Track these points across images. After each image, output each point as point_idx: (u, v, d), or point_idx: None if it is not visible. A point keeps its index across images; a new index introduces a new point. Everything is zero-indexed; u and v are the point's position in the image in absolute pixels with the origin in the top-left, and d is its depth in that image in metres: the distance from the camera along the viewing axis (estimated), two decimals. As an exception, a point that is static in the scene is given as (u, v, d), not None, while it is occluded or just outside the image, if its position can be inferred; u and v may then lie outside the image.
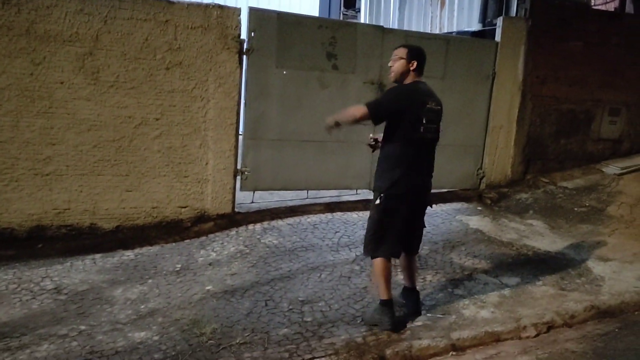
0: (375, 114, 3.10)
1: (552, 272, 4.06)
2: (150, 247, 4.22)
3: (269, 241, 4.38)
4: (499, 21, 6.14)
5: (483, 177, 6.27)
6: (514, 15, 6.51)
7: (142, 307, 3.23)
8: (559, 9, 6.66)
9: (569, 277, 3.99)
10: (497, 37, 6.13)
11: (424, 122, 3.07)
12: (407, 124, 3.06)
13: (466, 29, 7.06)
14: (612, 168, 6.69)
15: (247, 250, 4.16)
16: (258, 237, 4.47)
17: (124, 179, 4.38)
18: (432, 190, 3.37)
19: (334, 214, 5.14)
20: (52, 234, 4.18)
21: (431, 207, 3.44)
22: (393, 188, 3.09)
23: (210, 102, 4.60)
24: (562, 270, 4.11)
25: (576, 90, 6.83)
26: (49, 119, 4.05)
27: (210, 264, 3.90)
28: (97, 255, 4.00)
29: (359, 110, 3.15)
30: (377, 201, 3.14)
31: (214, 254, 4.09)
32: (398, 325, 3.13)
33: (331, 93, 5.19)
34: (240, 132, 4.86)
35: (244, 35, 4.77)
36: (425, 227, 3.44)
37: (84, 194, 4.26)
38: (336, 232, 4.67)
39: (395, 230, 3.15)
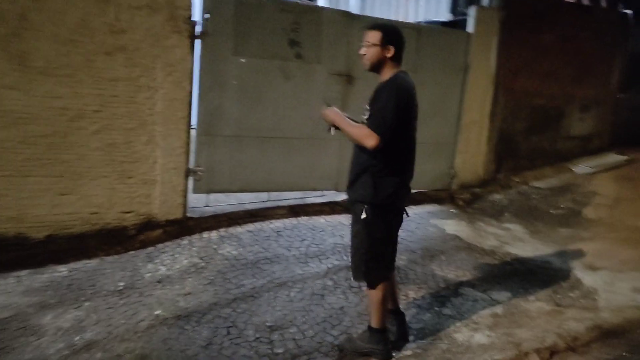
0: (383, 135, 2.53)
1: (542, 284, 3.91)
2: (88, 261, 3.77)
3: (228, 252, 4.02)
4: (472, 11, 5.98)
5: (454, 176, 6.12)
6: (487, 5, 6.37)
7: (77, 338, 2.81)
8: (532, 0, 6.58)
9: (561, 290, 3.84)
10: (470, 28, 5.98)
11: (413, 118, 2.72)
12: (402, 124, 2.62)
13: (434, 19, 6.87)
14: (583, 167, 6.70)
15: (203, 264, 3.79)
16: (214, 247, 4.10)
17: (57, 181, 3.90)
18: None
19: (299, 218, 4.82)
20: (-31, 247, 3.68)
21: (407, 215, 2.99)
22: (382, 197, 2.69)
23: (158, 93, 4.18)
24: (552, 282, 3.97)
25: (548, 85, 6.79)
26: (-36, 110, 3.55)
27: (159, 282, 3.51)
28: (24, 272, 3.53)
29: (370, 139, 2.55)
30: (363, 215, 2.70)
31: (164, 269, 3.70)
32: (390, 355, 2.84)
33: (295, 85, 4.87)
34: (193, 127, 4.48)
35: (197, 17, 4.38)
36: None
37: (9, 199, 3.76)
38: (303, 239, 4.36)
39: (390, 247, 2.85)
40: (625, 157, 6.98)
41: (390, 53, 2.71)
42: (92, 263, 3.75)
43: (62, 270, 3.62)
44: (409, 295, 3.56)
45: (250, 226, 4.56)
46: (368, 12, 9.70)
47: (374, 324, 2.82)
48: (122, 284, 3.46)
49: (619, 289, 3.84)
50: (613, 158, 6.98)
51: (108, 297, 3.26)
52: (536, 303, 3.59)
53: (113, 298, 3.25)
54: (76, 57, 3.84)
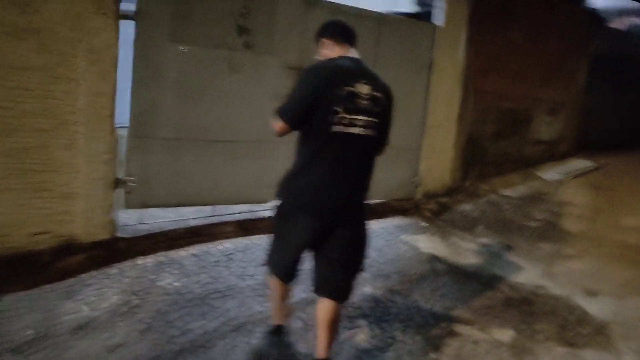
0: (287, 119, 2.41)
1: (544, 317, 3.56)
2: (-13, 299, 3.08)
3: (169, 284, 3.41)
4: (440, 1, 5.61)
5: (419, 184, 5.75)
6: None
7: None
8: (501, -8, 6.32)
9: (568, 325, 3.50)
10: (438, 20, 5.60)
11: (344, 110, 2.34)
12: (317, 112, 2.35)
13: (398, 10, 6.47)
14: (552, 174, 6.54)
15: (138, 301, 3.17)
16: (152, 277, 3.48)
17: (-56, 197, 3.18)
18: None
19: (251, 237, 4.27)
20: None
21: (362, 242, 2.59)
22: (286, 194, 2.52)
23: (81, 86, 3.51)
24: (554, 313, 3.63)
25: (517, 86, 6.58)
26: None
27: (81, 328, 2.85)
28: None
29: (275, 124, 2.47)
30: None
31: (87, 309, 3.05)
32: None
33: (243, 79, 4.30)
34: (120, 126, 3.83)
35: (129, -5, 3.74)
36: (359, 268, 2.60)
37: None
38: (258, 265, 3.81)
39: (282, 247, 2.60)
40: (593, 164, 6.90)
41: (324, 45, 2.62)
42: (-7, 302, 3.06)
43: (-50, 315, 2.91)
44: (396, 338, 3.10)
45: (195, 248, 3.96)
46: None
47: None
48: (31, 331, 2.78)
49: (631, 321, 3.57)
50: (581, 164, 6.89)
51: (13, 354, 2.59)
52: (546, 344, 3.23)
53: (17, 356, 2.59)
54: (-30, 39, 3.13)
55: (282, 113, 2.43)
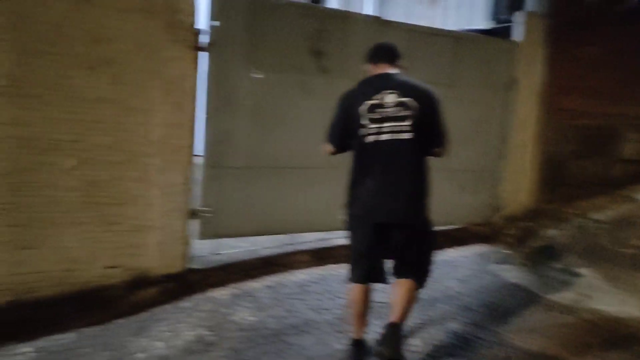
0: (331, 141, 2.79)
1: None
2: (62, 335, 2.91)
3: (243, 318, 3.16)
4: (520, 17, 5.20)
5: (499, 208, 5.29)
6: (529, 11, 5.61)
7: None
8: (579, 6, 5.83)
9: None
10: (517, 36, 5.19)
11: (370, 120, 2.58)
12: (351, 129, 2.65)
13: (471, 27, 6.11)
14: (644, 195, 5.88)
15: (212, 337, 2.92)
16: (225, 311, 3.24)
17: (20, 232, 3.06)
18: (440, 228, 3.04)
19: (326, 267, 3.97)
20: None
21: (424, 238, 2.77)
22: (347, 206, 2.75)
23: (154, 117, 3.38)
24: None
25: (600, 103, 5.99)
26: None
27: (155, 367, 2.66)
28: (-26, 356, 2.69)
29: (324, 147, 2.84)
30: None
31: (162, 346, 2.83)
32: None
33: (317, 103, 4.04)
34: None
35: (202, 24, 3.61)
36: (423, 256, 2.78)
37: (-43, 257, 2.94)
38: (335, 297, 3.50)
39: (355, 254, 2.73)
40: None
41: (368, 67, 2.83)
42: (67, 338, 2.89)
43: (27, 351, 2.76)
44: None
45: (268, 280, 3.71)
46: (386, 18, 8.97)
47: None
48: (104, 371, 2.62)
49: None
50: (676, 184, 6.18)
51: (83, 397, 2.40)
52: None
53: (90, 398, 2.40)
54: (48, 72, 3.05)
55: (327, 136, 2.79)
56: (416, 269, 2.74)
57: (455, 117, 4.62)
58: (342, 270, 3.92)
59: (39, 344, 2.82)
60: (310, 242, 4.35)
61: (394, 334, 2.61)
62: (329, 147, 2.78)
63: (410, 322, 3.06)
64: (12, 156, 3.01)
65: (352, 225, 2.72)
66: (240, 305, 3.32)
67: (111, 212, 3.30)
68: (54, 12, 3.03)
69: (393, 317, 2.65)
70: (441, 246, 4.62)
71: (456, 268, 4.21)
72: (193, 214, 3.65)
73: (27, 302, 3.09)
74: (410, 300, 2.69)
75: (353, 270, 2.73)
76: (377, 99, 2.60)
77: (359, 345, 2.79)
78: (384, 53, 2.81)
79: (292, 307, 3.34)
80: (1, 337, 2.84)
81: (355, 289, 2.70)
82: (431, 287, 3.73)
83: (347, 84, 4.08)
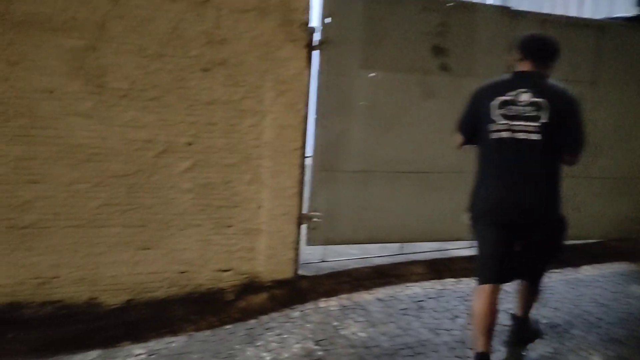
0: (462, 131, 2.71)
1: None
2: (173, 338, 2.89)
3: (353, 333, 2.94)
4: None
5: (644, 222, 4.60)
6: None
7: None
8: None
9: None
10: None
11: (500, 116, 2.47)
12: (480, 124, 2.57)
13: (613, 16, 5.40)
14: None
15: (320, 352, 2.73)
16: (335, 324, 3.04)
17: (138, 232, 3.09)
18: (574, 242, 3.12)
19: (443, 281, 3.65)
20: (32, 315, 2.93)
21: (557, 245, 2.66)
22: (471, 207, 2.64)
23: (266, 118, 3.27)
24: None
25: None
26: (29, 144, 2.82)
27: (262, 382, 2.52)
28: (92, 354, 2.69)
29: (455, 137, 2.78)
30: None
31: (269, 357, 2.70)
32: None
33: (438, 104, 3.73)
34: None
35: (315, 22, 3.46)
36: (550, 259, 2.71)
37: (80, 255, 3.00)
38: (454, 316, 3.17)
39: (483, 253, 2.59)
40: None
41: (516, 58, 2.62)
42: (178, 342, 2.86)
43: (139, 352, 2.75)
44: None
45: (380, 292, 3.46)
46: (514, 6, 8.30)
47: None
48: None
49: None
50: None
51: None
52: None
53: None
54: (165, 75, 3.04)
55: (457, 126, 2.73)
56: (540, 270, 2.72)
57: (596, 118, 4.07)
58: (461, 286, 3.61)
59: (150, 346, 2.81)
60: (425, 252, 4.02)
61: (522, 327, 2.75)
62: (459, 138, 2.73)
63: (542, 349, 2.68)
64: (129, 158, 3.04)
65: (479, 225, 2.61)
66: (351, 319, 3.11)
67: (223, 215, 3.24)
68: (171, 14, 3.01)
69: (518, 311, 2.78)
70: (575, 263, 4.11)
71: (593, 289, 3.68)
72: (303, 218, 3.50)
73: (143, 302, 3.12)
74: (534, 294, 2.76)
75: (481, 271, 2.60)
76: (511, 96, 2.48)
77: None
78: (536, 51, 2.58)
79: (407, 324, 3.06)
80: (117, 336, 2.88)
81: (483, 292, 2.52)
82: (566, 309, 3.28)
83: (471, 84, 3.70)
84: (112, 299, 3.07)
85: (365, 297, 3.39)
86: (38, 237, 2.90)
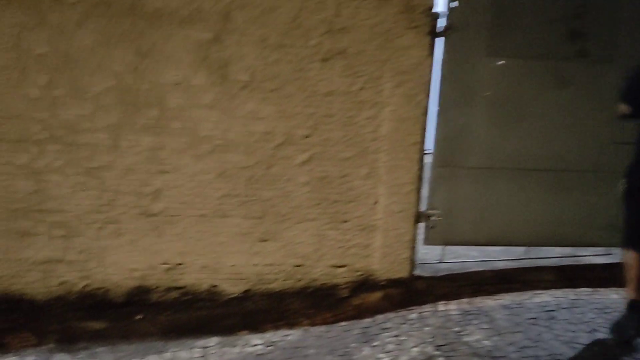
0: (630, 101, 2.64)
1: None
2: (288, 331, 2.89)
3: (477, 341, 2.74)
4: None
5: None
6: None
7: None
8: None
9: None
10: None
11: None
12: None
13: None
14: None
15: (442, 358, 2.57)
16: (456, 329, 2.86)
17: (257, 223, 3.12)
18: None
19: (577, 291, 3.31)
20: (158, 299, 3.07)
21: None
22: (628, 176, 2.73)
23: (384, 110, 3.15)
24: None
25: None
26: (158, 135, 2.95)
27: (378, 384, 2.42)
28: (212, 341, 2.77)
29: (620, 108, 2.70)
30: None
31: (386, 358, 2.60)
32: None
33: (575, 94, 3.38)
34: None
35: (439, 7, 3.27)
36: None
37: (203, 244, 3.09)
38: (592, 329, 2.84)
39: (633, 221, 2.73)
40: None
41: None
42: (293, 335, 2.85)
43: (257, 343, 2.77)
44: None
45: (505, 298, 3.21)
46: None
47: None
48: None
49: None
50: None
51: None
52: None
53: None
54: (285, 66, 3.03)
55: (623, 96, 2.67)
56: None
57: None
58: (598, 296, 3.26)
59: (267, 337, 2.82)
60: (554, 257, 3.68)
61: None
62: (625, 108, 2.66)
63: None
64: (249, 149, 3.06)
65: (631, 194, 2.71)
66: (473, 325, 2.91)
67: (339, 210, 3.17)
68: (293, 3, 2.98)
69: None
70: None
71: None
72: (420, 216, 3.34)
73: (260, 293, 3.14)
74: None
75: (630, 239, 2.74)
76: None
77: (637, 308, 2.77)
78: None
79: (537, 335, 2.79)
80: (236, 324, 2.92)
81: (635, 257, 2.71)
82: None
83: (611, 70, 3.41)
84: (231, 288, 3.12)
85: (488, 302, 3.16)
86: (166, 225, 3.02)
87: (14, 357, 2.64)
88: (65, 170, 2.91)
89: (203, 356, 2.63)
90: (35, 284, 2.96)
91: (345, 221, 3.19)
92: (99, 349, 2.70)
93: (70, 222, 2.96)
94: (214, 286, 3.12)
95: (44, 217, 2.93)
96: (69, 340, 2.78)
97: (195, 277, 3.10)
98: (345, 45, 3.05)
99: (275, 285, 3.18)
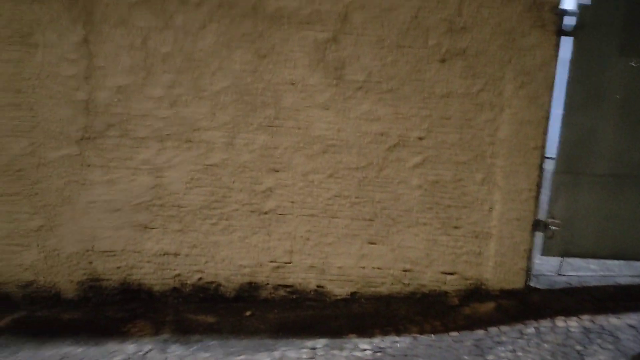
0: None
1: None
2: (396, 338, 2.82)
3: (603, 363, 2.57)
4: None
5: None
6: None
7: None
8: None
9: None
10: None
11: None
12: None
13: None
14: None
15: (566, 380, 2.44)
16: (578, 348, 2.68)
17: (366, 226, 3.09)
18: None
19: None
20: (267, 296, 3.12)
21: None
22: None
23: (504, 113, 3.00)
24: None
25: None
26: (273, 134, 2.99)
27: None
28: (320, 342, 2.76)
29: None
30: None
31: (504, 376, 2.48)
32: None
33: None
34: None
35: (566, 4, 3.07)
36: None
37: (312, 244, 3.09)
38: None
39: None
40: None
41: None
42: (402, 342, 2.78)
43: (365, 348, 2.73)
44: None
45: (631, 317, 2.98)
46: None
47: None
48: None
49: None
50: None
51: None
52: None
53: None
54: (402, 66, 2.96)
55: None
56: None
57: None
58: None
59: (375, 343, 2.77)
60: (683, 275, 3.38)
61: None
62: None
63: None
64: (362, 150, 3.02)
65: None
66: (597, 344, 2.71)
67: (451, 215, 3.07)
68: (413, 2, 2.90)
69: None
70: None
71: None
72: (538, 225, 3.16)
73: (367, 296, 3.11)
74: None
75: None
76: None
77: None
78: None
79: (672, 361, 2.58)
80: (343, 327, 2.90)
81: None
82: None
83: None
84: (338, 289, 3.11)
85: (612, 321, 2.94)
86: (276, 223, 3.05)
87: (132, 345, 2.76)
88: (183, 166, 3.01)
89: (312, 357, 2.63)
90: (152, 275, 3.09)
91: (458, 227, 3.08)
92: (211, 343, 2.77)
93: (185, 217, 3.06)
94: (321, 286, 3.12)
95: (162, 211, 3.05)
96: (182, 331, 2.87)
97: (302, 277, 3.11)
98: (465, 45, 2.93)
99: (383, 289, 3.13)
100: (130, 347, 2.70)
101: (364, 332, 2.88)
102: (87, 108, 2.90)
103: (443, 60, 2.95)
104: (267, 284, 3.10)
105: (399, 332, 2.88)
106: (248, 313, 2.98)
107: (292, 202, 3.04)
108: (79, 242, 3.02)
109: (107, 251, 3.03)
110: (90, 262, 3.05)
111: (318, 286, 3.11)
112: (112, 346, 2.71)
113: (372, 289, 3.13)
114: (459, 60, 2.96)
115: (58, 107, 2.88)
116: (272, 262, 3.08)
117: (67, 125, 2.91)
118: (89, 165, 2.96)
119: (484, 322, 2.97)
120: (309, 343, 2.77)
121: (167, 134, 2.96)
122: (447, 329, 2.92)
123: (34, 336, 2.77)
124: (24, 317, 2.93)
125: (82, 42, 2.81)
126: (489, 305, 3.06)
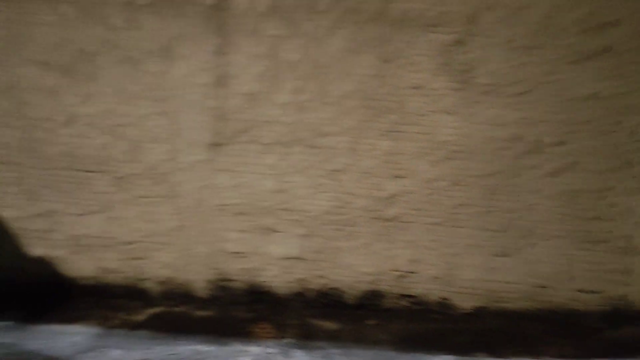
0: None
1: None
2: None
3: None
4: None
5: None
6: None
7: None
8: None
9: None
10: None
11: None
12: None
13: None
14: None
15: None
16: None
17: (494, 237, 2.91)
18: None
19: None
20: (390, 306, 3.04)
21: None
22: None
23: (657, 115, 2.72)
24: None
25: None
26: (396, 140, 2.94)
27: None
28: (447, 359, 2.64)
29: None
30: None
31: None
32: None
33: None
34: None
35: None
36: None
37: (436, 254, 2.98)
38: None
39: None
40: None
41: None
42: (534, 364, 2.58)
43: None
44: None
45: None
46: None
47: None
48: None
49: None
50: None
51: None
52: None
53: None
54: (532, 69, 2.78)
55: None
56: None
57: None
58: None
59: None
60: None
61: None
62: None
63: None
64: (489, 157, 2.87)
65: None
66: None
67: (593, 228, 2.81)
68: (546, 3, 2.74)
69: None
70: None
71: None
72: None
73: (493, 312, 2.92)
74: None
75: None
76: None
77: None
78: None
79: None
80: (469, 344, 2.74)
81: None
82: None
83: None
84: (463, 303, 2.96)
85: None
86: (399, 230, 2.98)
87: (256, 347, 2.82)
88: (307, 171, 3.06)
89: (439, 373, 2.52)
90: (277, 278, 3.16)
91: (602, 242, 2.80)
92: (334, 350, 2.75)
93: (309, 222, 3.10)
94: (445, 299, 2.99)
95: (286, 215, 3.12)
96: (305, 336, 2.88)
97: (425, 288, 3.01)
98: (609, 43, 2.70)
99: (512, 306, 2.93)
100: (255, 349, 2.76)
101: (494, 351, 2.69)
102: (219, 115, 3.07)
103: (581, 60, 2.74)
104: (390, 292, 3.03)
105: (532, 355, 2.66)
106: (372, 322, 2.93)
107: (416, 209, 2.95)
108: (211, 242, 3.17)
109: (235, 252, 3.16)
110: (220, 263, 3.19)
111: (442, 298, 2.98)
112: (237, 346, 2.79)
113: (501, 305, 2.93)
114: (601, 59, 2.72)
115: (193, 115, 3.08)
116: (394, 270, 3.01)
117: (201, 132, 3.09)
118: (219, 170, 3.12)
119: (631, 349, 2.66)
120: (435, 359, 2.65)
121: (292, 140, 3.04)
122: (588, 355, 2.65)
123: (167, 331, 2.93)
124: (161, 312, 3.12)
125: (216, 52, 2.99)
126: (637, 331, 2.74)
